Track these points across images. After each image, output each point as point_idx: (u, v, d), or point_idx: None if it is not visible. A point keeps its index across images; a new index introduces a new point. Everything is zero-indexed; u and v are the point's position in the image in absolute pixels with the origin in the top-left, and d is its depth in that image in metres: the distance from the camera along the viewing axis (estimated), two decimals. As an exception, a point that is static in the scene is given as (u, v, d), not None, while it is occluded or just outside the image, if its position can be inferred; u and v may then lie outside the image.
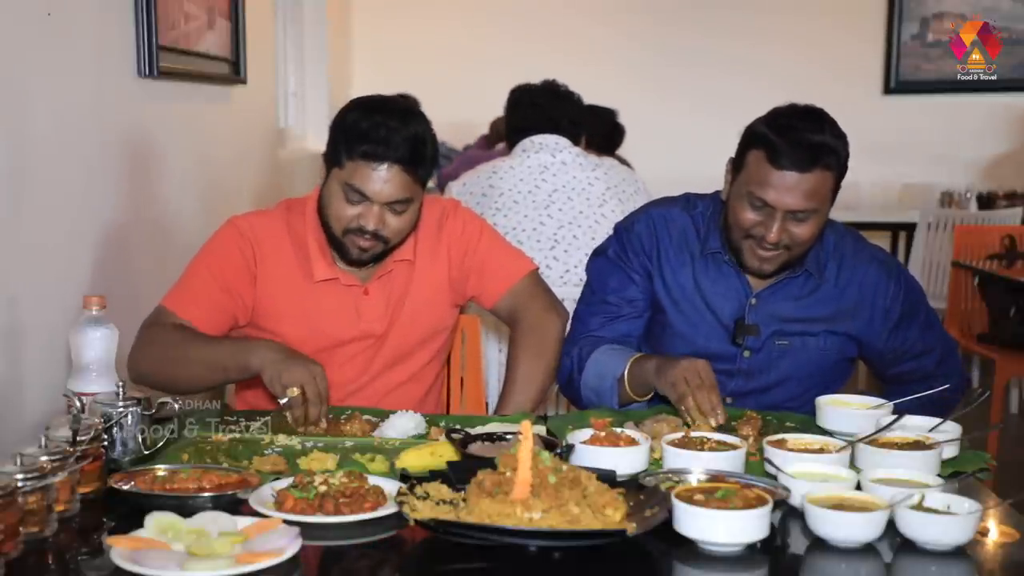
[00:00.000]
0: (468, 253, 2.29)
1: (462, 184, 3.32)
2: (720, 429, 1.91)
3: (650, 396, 2.13)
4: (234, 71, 3.77)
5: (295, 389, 1.89)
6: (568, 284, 3.05)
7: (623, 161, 4.38)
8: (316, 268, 2.18)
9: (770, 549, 1.47)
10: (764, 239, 2.06)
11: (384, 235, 2.10)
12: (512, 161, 3.30)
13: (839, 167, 2.05)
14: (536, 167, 3.26)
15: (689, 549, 1.45)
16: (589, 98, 5.01)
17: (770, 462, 1.66)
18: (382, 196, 2.06)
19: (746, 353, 2.19)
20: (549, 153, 3.28)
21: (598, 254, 2.33)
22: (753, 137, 2.07)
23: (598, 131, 4.73)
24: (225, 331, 2.19)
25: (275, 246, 2.20)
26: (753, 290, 2.19)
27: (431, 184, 5.20)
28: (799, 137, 2.01)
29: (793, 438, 1.79)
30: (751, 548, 1.45)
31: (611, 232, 2.36)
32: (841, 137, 2.06)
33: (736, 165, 2.11)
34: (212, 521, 1.46)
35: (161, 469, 1.65)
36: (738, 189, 2.09)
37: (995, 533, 1.54)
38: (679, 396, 1.95)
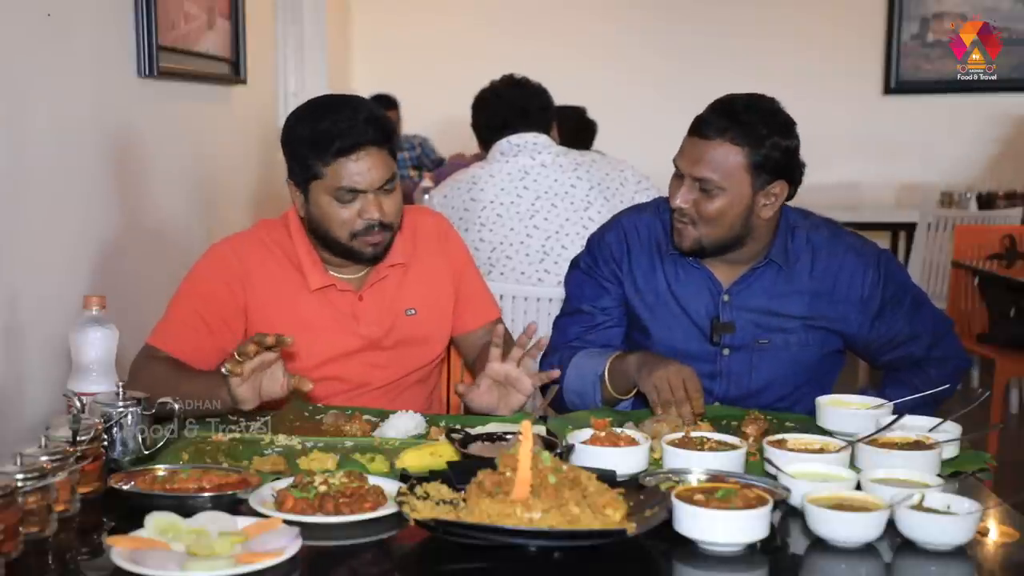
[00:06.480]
0: (462, 275, 2.33)
1: (443, 196, 3.22)
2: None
3: (633, 393, 2.11)
4: (234, 71, 3.78)
5: (234, 367, 1.84)
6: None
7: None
8: (311, 278, 2.17)
9: (770, 549, 1.47)
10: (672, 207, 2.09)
11: (387, 222, 2.11)
12: (491, 168, 3.20)
13: (754, 149, 2.02)
14: (516, 172, 3.17)
15: (689, 549, 1.45)
16: (589, 94, 5.03)
17: (770, 462, 1.66)
18: (374, 182, 2.07)
19: (725, 351, 2.17)
20: (528, 155, 3.19)
21: (573, 266, 2.33)
22: None
23: (567, 130, 4.71)
24: (217, 361, 2.15)
25: (263, 262, 2.18)
26: (723, 287, 2.17)
27: (429, 183, 5.20)
28: (715, 108, 2.05)
29: (793, 438, 1.79)
30: (751, 548, 1.45)
31: None
32: (773, 125, 2.04)
33: None
34: (212, 521, 1.45)
35: (161, 469, 1.65)
36: None
37: (995, 533, 1.54)
38: (662, 402, 1.96)
